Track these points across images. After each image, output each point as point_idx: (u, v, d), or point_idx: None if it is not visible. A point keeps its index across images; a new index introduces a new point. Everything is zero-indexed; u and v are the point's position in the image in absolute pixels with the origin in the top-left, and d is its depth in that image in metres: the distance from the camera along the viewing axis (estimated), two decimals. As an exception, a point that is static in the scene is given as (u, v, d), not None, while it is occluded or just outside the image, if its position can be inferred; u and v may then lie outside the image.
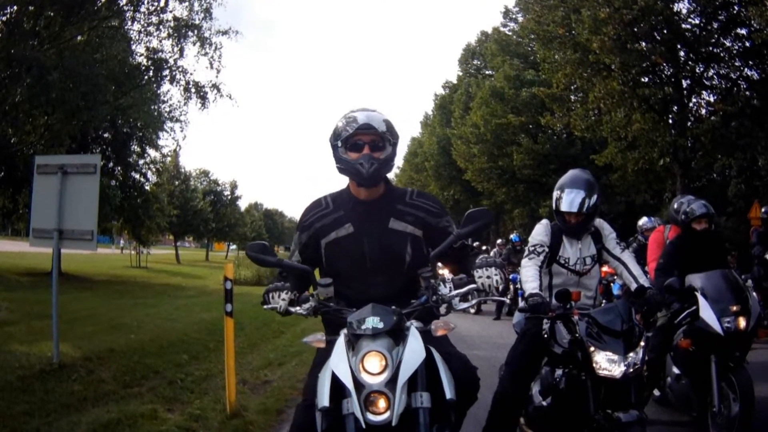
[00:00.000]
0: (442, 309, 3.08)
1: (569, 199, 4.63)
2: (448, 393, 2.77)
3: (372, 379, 2.58)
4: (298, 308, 3.07)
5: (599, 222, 4.87)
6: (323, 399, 2.67)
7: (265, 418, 6.20)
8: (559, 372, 4.39)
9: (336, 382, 2.65)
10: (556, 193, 4.76)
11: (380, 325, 2.67)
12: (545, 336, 4.44)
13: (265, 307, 3.13)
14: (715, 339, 5.23)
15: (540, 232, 4.78)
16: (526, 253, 4.73)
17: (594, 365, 3.90)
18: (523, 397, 4.61)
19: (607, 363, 3.86)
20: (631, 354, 3.87)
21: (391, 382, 2.58)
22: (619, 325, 3.95)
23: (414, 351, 2.66)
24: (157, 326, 11.87)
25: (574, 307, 4.08)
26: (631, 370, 3.85)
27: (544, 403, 4.50)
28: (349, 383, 2.59)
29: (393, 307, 2.81)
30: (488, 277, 2.94)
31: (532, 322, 4.55)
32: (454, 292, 2.97)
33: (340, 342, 2.76)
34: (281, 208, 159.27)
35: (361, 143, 3.10)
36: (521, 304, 4.28)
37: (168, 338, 10.48)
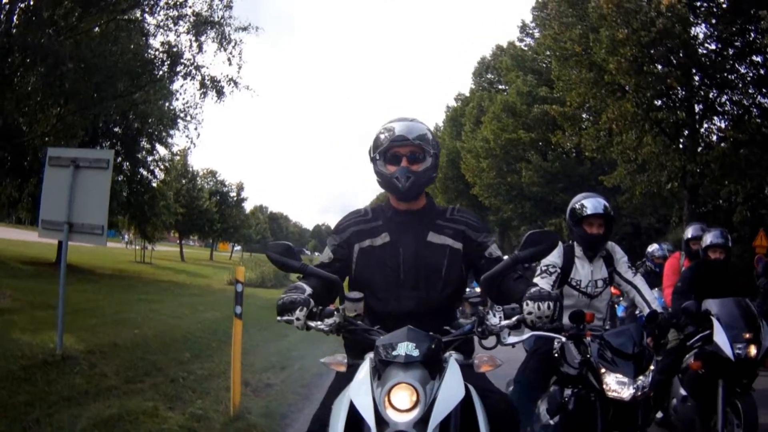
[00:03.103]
0: (489, 341, 2.71)
1: (593, 204, 4.73)
2: None
3: (399, 417, 2.17)
4: (319, 323, 2.63)
5: (611, 245, 4.93)
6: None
7: (268, 422, 6.19)
8: (568, 392, 4.38)
9: (354, 415, 2.30)
10: (576, 206, 4.81)
11: (415, 353, 2.28)
12: (556, 355, 4.44)
13: (279, 318, 2.67)
14: (725, 363, 5.27)
15: (553, 253, 4.79)
16: (538, 272, 4.76)
17: (604, 386, 3.91)
18: (531, 414, 4.61)
19: (616, 385, 3.88)
20: (641, 377, 3.90)
21: (422, 422, 2.18)
22: (631, 348, 3.98)
23: (451, 388, 2.30)
24: (160, 322, 11.87)
25: (587, 329, 4.07)
26: (640, 393, 3.87)
27: (552, 422, 4.48)
28: (370, 419, 2.21)
29: (431, 333, 2.44)
30: (539, 317, 2.50)
31: (543, 340, 4.54)
32: (504, 323, 2.60)
33: (365, 368, 2.42)
34: (286, 212, 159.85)
35: (398, 155, 2.91)
36: None
37: (171, 335, 10.50)
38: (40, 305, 11.88)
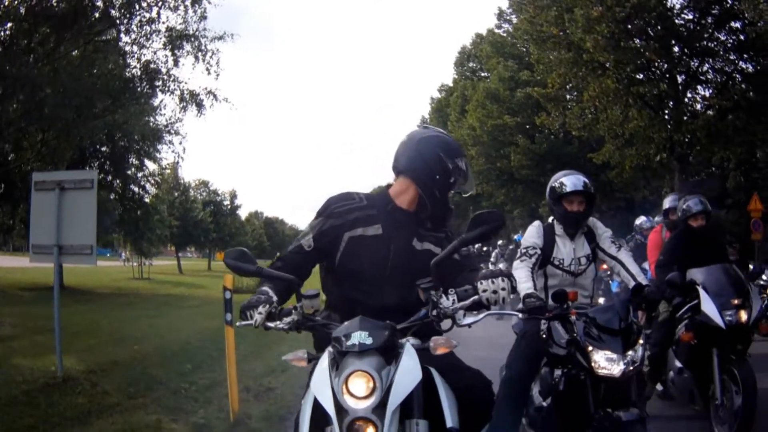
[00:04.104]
0: (445, 324, 2.72)
1: (572, 181, 4.72)
2: (449, 421, 2.50)
3: (357, 404, 2.23)
4: (278, 323, 2.67)
5: (592, 221, 4.92)
6: (303, 428, 2.41)
7: (269, 425, 6.24)
8: (558, 372, 4.40)
9: (318, 407, 2.34)
10: (555, 184, 4.81)
11: (368, 341, 2.32)
12: (544, 336, 4.45)
13: (238, 324, 2.74)
14: (716, 332, 5.31)
15: (532, 234, 4.81)
16: (518, 255, 4.76)
17: (593, 364, 3.91)
18: (525, 398, 4.63)
19: (606, 362, 3.87)
20: (630, 352, 3.89)
21: (380, 407, 2.23)
22: (617, 323, 3.98)
23: (408, 372, 2.33)
24: (160, 336, 11.91)
25: (571, 308, 4.08)
26: (630, 368, 3.87)
27: (545, 404, 4.50)
28: (330, 409, 2.25)
29: (387, 321, 2.49)
30: (494, 291, 2.60)
31: (530, 323, 4.55)
32: (457, 305, 2.63)
33: (324, 361, 2.42)
34: (281, 216, 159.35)
35: (452, 188, 3.10)
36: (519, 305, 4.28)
37: (171, 348, 10.55)
38: (39, 330, 11.87)
